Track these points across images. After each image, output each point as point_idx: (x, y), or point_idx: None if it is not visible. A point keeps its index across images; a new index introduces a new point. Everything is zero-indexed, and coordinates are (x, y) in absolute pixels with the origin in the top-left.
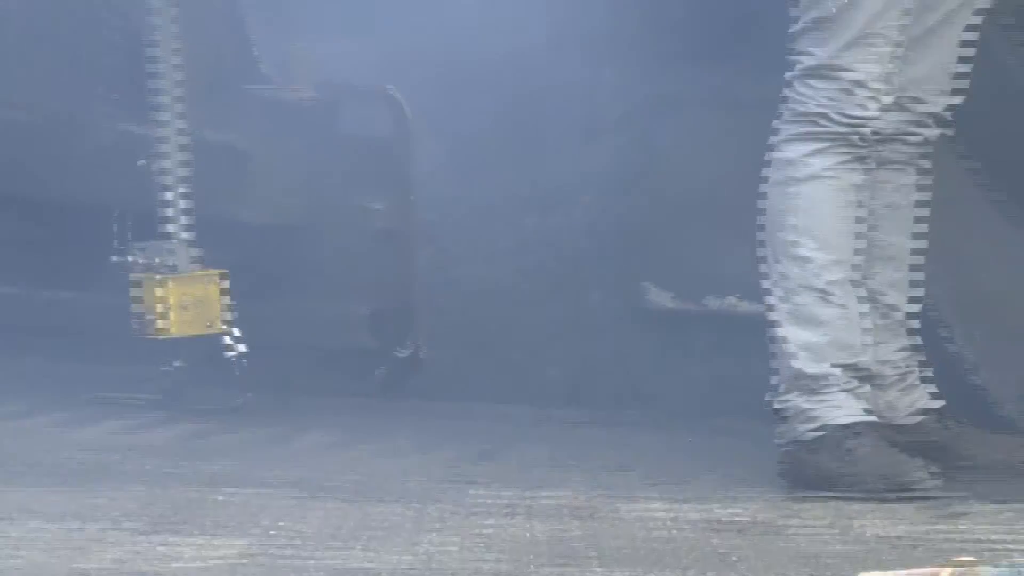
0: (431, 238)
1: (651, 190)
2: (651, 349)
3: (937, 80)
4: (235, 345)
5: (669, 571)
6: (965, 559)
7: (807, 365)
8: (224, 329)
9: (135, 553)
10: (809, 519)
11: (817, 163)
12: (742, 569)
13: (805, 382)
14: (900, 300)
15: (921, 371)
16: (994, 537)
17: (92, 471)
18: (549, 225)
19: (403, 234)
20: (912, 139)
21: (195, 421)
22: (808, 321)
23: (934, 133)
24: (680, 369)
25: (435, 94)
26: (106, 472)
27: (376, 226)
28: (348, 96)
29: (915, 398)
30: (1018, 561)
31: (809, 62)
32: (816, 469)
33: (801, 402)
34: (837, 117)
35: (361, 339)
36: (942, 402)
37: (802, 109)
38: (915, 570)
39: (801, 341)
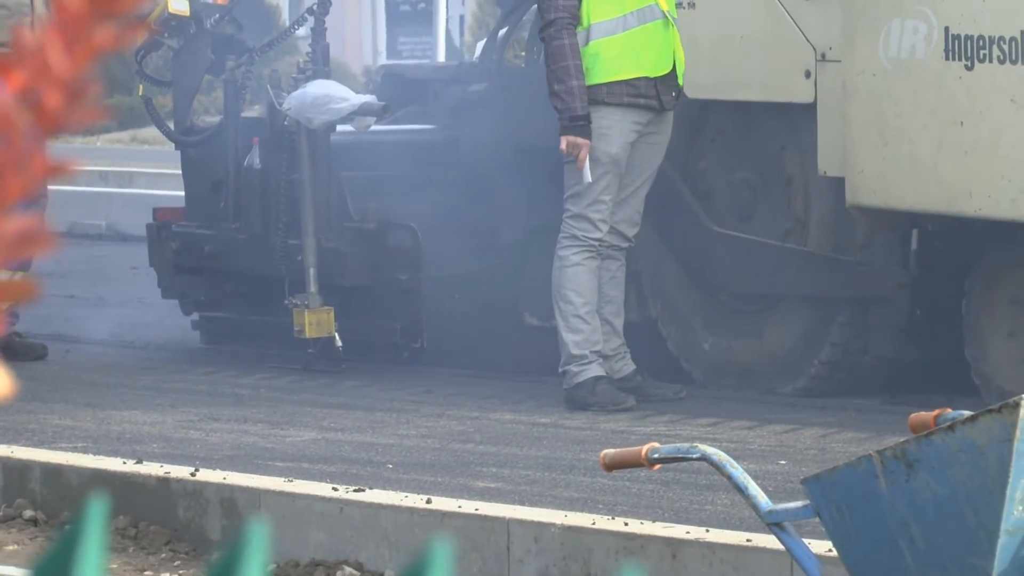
0: None
1: None
2: None
3: (631, 220)
4: None
5: (515, 448)
6: (654, 443)
7: (575, 351)
8: None
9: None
10: (574, 424)
11: (577, 257)
12: (544, 443)
13: (575, 359)
14: (617, 320)
15: (625, 353)
16: (665, 432)
17: None
18: None
19: None
20: (620, 246)
21: None
22: (575, 331)
23: (627, 243)
24: None
25: None
26: None
27: None
28: None
29: (624, 366)
30: (681, 445)
31: (574, 210)
32: (580, 399)
33: (572, 367)
34: (585, 237)
35: None
36: (635, 367)
37: (571, 232)
38: (630, 448)
39: (572, 340)
